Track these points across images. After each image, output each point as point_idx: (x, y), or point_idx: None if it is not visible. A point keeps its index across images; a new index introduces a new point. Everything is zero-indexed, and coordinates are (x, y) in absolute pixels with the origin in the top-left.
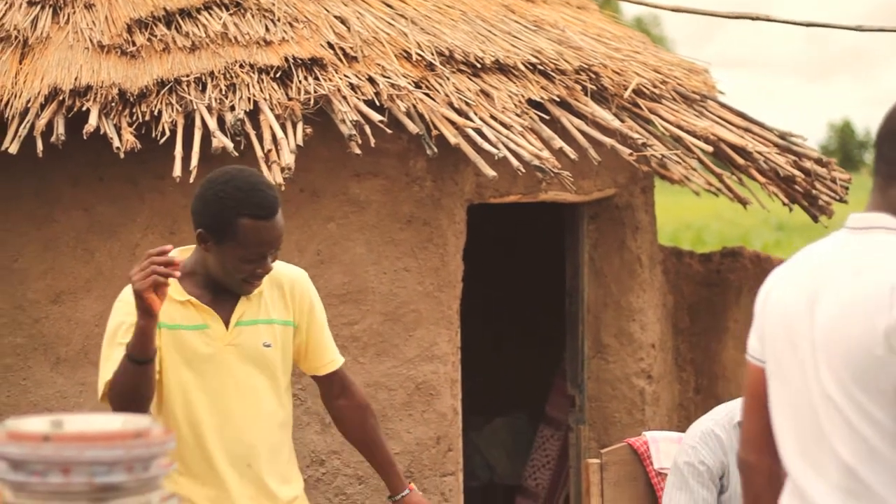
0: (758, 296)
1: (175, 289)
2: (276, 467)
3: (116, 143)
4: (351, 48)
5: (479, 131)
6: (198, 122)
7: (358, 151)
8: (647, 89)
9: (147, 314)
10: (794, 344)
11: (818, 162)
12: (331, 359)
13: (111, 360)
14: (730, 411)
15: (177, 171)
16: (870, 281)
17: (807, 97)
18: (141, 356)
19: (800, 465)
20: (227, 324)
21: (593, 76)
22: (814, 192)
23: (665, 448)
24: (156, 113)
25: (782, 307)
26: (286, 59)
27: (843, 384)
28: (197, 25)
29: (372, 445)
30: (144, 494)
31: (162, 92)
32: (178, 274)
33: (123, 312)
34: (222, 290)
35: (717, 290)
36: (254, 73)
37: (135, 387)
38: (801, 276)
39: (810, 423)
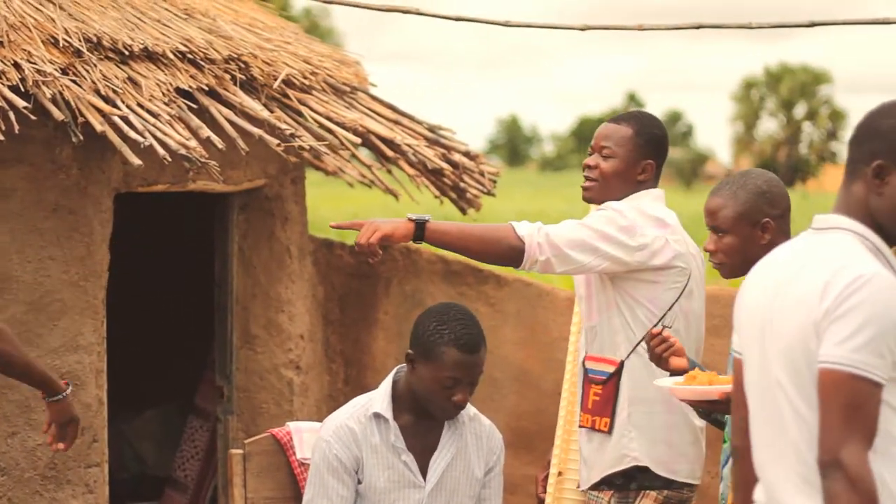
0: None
1: None
2: None
3: None
4: None
5: (125, 119)
6: None
7: (1, 138)
8: (297, 80)
9: None
10: (758, 339)
11: (466, 155)
12: None
13: None
14: (365, 403)
15: None
16: (809, 278)
17: (476, 92)
18: None
19: (764, 454)
20: None
21: (243, 66)
22: (462, 184)
23: (308, 438)
24: None
25: (750, 303)
26: None
27: (790, 376)
28: None
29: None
30: None
31: None
32: None
33: None
34: None
35: (367, 282)
36: None
37: None
38: (767, 274)
39: (771, 413)
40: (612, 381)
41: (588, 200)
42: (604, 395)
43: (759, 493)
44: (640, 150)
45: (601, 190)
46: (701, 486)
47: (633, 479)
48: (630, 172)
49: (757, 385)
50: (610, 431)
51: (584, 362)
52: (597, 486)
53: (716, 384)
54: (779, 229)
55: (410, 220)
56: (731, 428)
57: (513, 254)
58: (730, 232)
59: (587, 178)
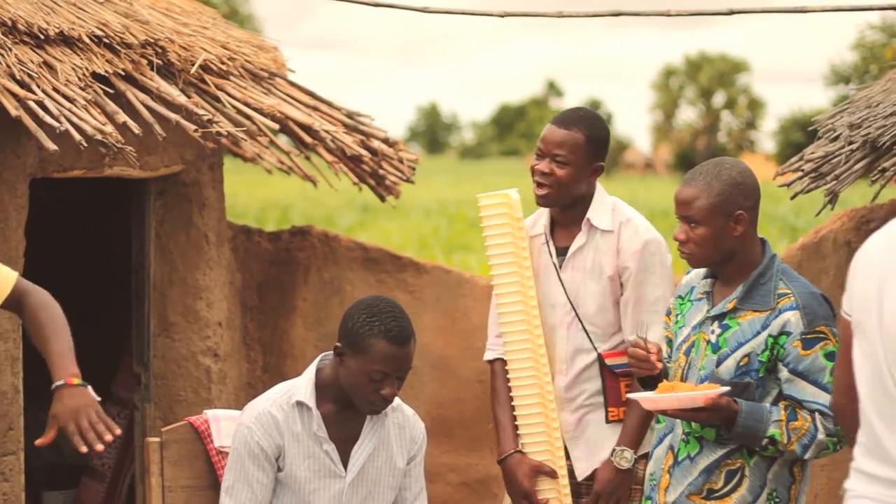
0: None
1: None
2: None
3: None
4: None
5: (41, 104)
6: None
7: None
8: (215, 65)
9: None
10: (869, 313)
11: (385, 142)
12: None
13: None
14: (287, 391)
15: None
16: None
17: (396, 79)
18: None
19: (877, 424)
20: None
21: (160, 51)
22: (381, 171)
23: (226, 426)
24: None
25: (861, 277)
26: None
27: None
28: None
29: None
30: None
31: None
32: None
33: None
34: None
35: (285, 269)
36: None
37: None
38: (877, 254)
39: (882, 387)
40: None
41: (545, 205)
42: (635, 387)
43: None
44: (593, 154)
45: (558, 195)
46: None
47: None
48: (584, 175)
49: (868, 357)
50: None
51: (604, 359)
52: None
53: (693, 391)
54: (750, 221)
55: None
56: (834, 387)
57: None
58: (703, 223)
59: (541, 185)
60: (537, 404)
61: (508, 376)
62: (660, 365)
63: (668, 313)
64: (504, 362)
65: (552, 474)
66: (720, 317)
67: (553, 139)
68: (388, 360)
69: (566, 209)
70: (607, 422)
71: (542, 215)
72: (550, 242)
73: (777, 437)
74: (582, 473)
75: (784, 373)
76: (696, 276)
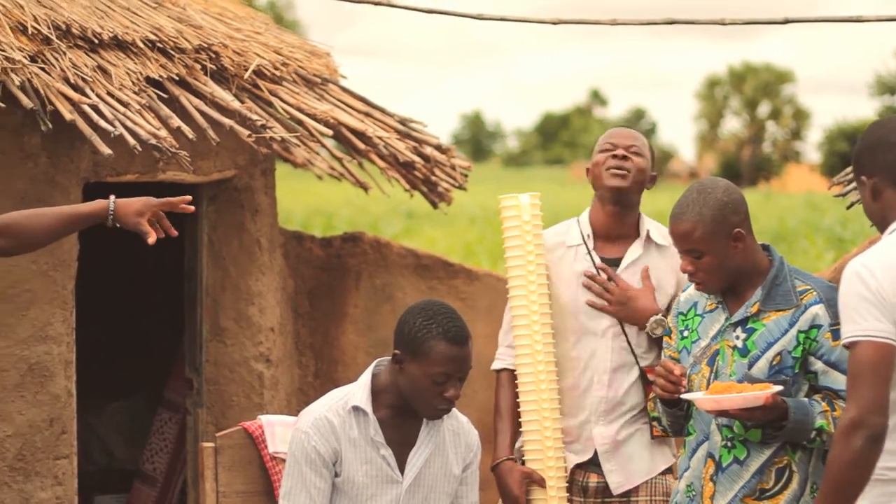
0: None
1: None
2: None
3: None
4: None
5: (95, 108)
6: None
7: None
8: (268, 71)
9: None
10: None
11: (438, 148)
12: None
13: None
14: (343, 396)
15: None
16: None
17: (439, 86)
18: None
19: None
20: None
21: (213, 55)
22: (433, 178)
23: (280, 432)
24: None
25: None
26: None
27: None
28: None
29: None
30: None
31: None
32: None
33: None
34: None
35: (336, 275)
36: None
37: None
38: None
39: None
40: None
41: (618, 200)
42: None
43: None
44: (652, 161)
45: (635, 181)
46: None
47: None
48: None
49: None
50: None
51: (646, 375)
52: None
53: (747, 391)
54: (748, 232)
55: None
56: (866, 404)
57: None
58: (706, 252)
59: (625, 174)
60: (533, 411)
61: (517, 381)
62: (685, 388)
63: (668, 333)
64: (510, 372)
65: (541, 482)
66: (743, 322)
67: (625, 134)
68: (450, 361)
69: (620, 216)
70: (652, 437)
71: (575, 225)
72: (594, 253)
73: (825, 427)
74: (618, 487)
75: (818, 365)
76: (695, 292)
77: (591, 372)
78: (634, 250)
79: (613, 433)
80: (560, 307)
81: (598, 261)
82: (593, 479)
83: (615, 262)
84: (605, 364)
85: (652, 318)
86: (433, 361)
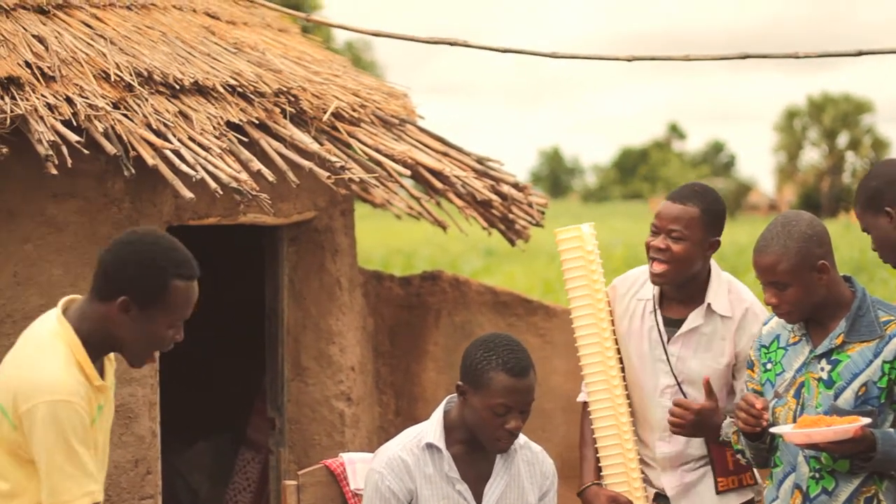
0: None
1: None
2: None
3: None
4: (49, 68)
5: (177, 153)
6: None
7: (55, 172)
8: (346, 113)
9: None
10: None
11: (515, 186)
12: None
13: None
14: (417, 434)
15: None
16: None
17: (517, 123)
18: None
19: None
20: None
21: (292, 99)
22: (511, 216)
23: (361, 469)
24: None
25: None
26: None
27: None
28: None
29: None
30: None
31: None
32: None
33: None
34: None
35: (416, 313)
36: None
37: None
38: None
39: None
40: None
41: (662, 283)
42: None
43: None
44: (709, 228)
45: (675, 271)
46: None
47: None
48: (700, 251)
49: None
50: (756, 482)
51: None
52: None
53: (833, 425)
54: (831, 264)
55: None
56: None
57: None
58: (791, 284)
59: (658, 261)
60: (613, 436)
61: (589, 409)
62: (767, 421)
63: (751, 366)
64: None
65: None
66: (827, 354)
67: (669, 214)
68: (509, 393)
69: (678, 286)
70: (717, 492)
71: (647, 275)
72: (658, 311)
73: None
74: None
75: None
76: (777, 325)
77: (651, 426)
78: (695, 319)
79: (678, 479)
80: (625, 356)
81: (661, 322)
82: None
83: (677, 323)
84: (663, 422)
85: (723, 430)
86: (493, 393)
